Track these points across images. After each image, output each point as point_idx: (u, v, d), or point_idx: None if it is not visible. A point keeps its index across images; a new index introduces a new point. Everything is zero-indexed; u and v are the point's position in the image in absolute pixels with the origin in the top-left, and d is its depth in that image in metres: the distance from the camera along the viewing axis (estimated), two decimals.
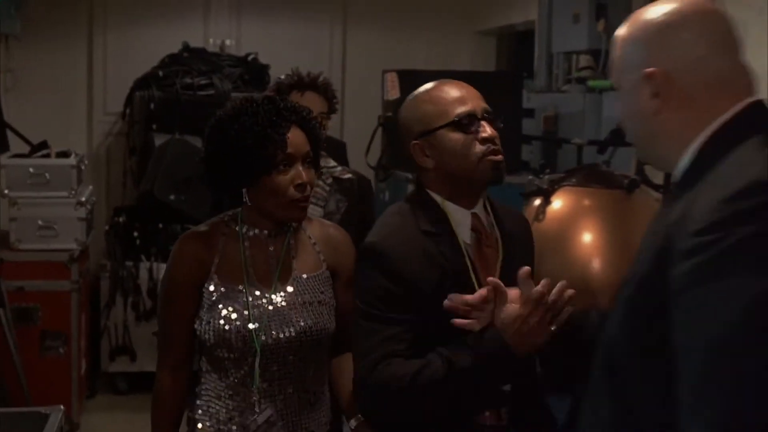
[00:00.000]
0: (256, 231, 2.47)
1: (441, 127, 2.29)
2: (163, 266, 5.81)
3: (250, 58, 6.96)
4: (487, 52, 7.82)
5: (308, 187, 2.43)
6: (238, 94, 6.46)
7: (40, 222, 5.19)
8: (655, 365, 1.58)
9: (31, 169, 5.24)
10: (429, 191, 2.33)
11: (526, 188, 3.87)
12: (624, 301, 1.68)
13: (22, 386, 4.72)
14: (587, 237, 3.50)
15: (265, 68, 6.94)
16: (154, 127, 6.31)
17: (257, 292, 2.42)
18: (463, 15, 7.56)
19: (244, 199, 2.45)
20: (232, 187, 2.44)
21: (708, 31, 1.70)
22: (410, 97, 2.43)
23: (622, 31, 1.80)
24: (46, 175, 5.22)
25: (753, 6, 4.39)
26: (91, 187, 5.67)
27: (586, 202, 3.65)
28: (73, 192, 5.23)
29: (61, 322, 5.16)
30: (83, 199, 5.25)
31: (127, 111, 6.60)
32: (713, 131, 1.66)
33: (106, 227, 6.16)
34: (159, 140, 6.15)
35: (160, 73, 6.51)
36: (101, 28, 7.09)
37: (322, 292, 2.48)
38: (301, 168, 2.40)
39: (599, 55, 5.42)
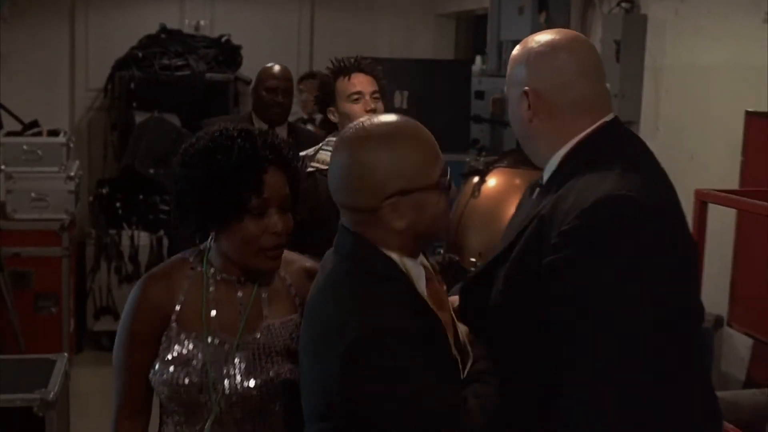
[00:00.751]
0: (224, 275, 2.18)
1: (424, 188, 1.96)
2: (144, 234, 6.43)
3: (223, 39, 7.40)
4: (447, 35, 8.28)
5: (283, 237, 2.14)
6: (214, 74, 7.01)
7: (33, 194, 5.66)
8: (529, 325, 1.98)
9: (25, 147, 5.71)
10: (382, 249, 1.96)
11: (464, 169, 4.44)
12: (505, 276, 2.06)
13: (18, 342, 5.22)
14: None
15: (237, 49, 7.39)
16: (135, 105, 6.81)
17: (217, 341, 2.13)
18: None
19: (211, 240, 2.21)
20: (199, 228, 2.19)
21: (576, 60, 2.10)
22: (374, 143, 1.96)
23: (514, 52, 2.19)
24: (39, 152, 5.70)
25: (668, 8, 4.95)
26: (77, 162, 6.15)
27: (517, 181, 4.22)
28: (63, 167, 5.72)
29: (52, 285, 5.66)
30: (72, 173, 5.75)
31: (109, 89, 7.09)
32: (574, 144, 2.07)
33: (91, 198, 6.68)
34: (139, 117, 6.64)
35: (140, 54, 6.99)
36: (83, 10, 7.53)
37: (294, 339, 2.15)
38: (276, 215, 2.12)
39: None
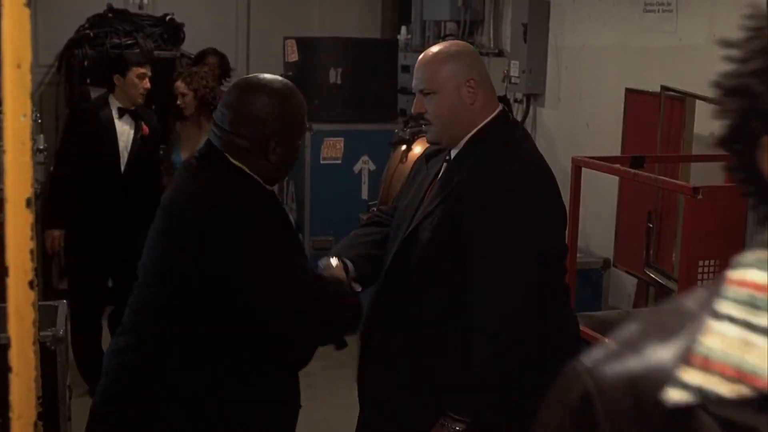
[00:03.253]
0: None
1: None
2: None
3: (167, 18, 7.87)
4: (374, 13, 8.85)
5: None
6: (161, 52, 7.59)
7: None
8: (453, 264, 2.70)
9: None
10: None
11: (393, 138, 5.16)
12: (431, 227, 2.73)
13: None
14: None
15: (180, 27, 7.87)
16: (88, 81, 7.35)
17: None
18: None
19: None
20: None
21: (479, 60, 2.89)
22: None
23: (441, 56, 2.75)
24: None
25: None
26: (42, 135, 6.70)
27: None
28: (33, 141, 6.28)
29: None
30: (41, 146, 6.33)
31: (62, 65, 7.63)
32: (482, 126, 2.74)
33: (51, 168, 7.24)
34: (94, 93, 7.17)
35: (91, 34, 7.53)
36: None
37: None
38: None
39: (459, 24, 6.71)
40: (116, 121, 5.36)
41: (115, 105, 5.40)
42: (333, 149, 6.36)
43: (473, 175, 2.65)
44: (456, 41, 2.98)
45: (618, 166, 3.47)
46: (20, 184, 1.45)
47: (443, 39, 6.89)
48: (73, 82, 7.46)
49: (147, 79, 5.44)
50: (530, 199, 2.63)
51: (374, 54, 6.75)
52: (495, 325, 2.59)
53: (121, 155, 5.31)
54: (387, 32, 8.69)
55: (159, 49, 7.61)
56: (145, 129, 5.42)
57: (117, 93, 5.40)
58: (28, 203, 1.46)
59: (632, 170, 3.35)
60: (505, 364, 2.62)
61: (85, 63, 7.37)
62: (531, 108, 6.07)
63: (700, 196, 2.73)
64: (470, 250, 2.62)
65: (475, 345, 2.59)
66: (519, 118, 6.03)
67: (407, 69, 7.14)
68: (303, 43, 6.54)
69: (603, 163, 3.45)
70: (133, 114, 5.40)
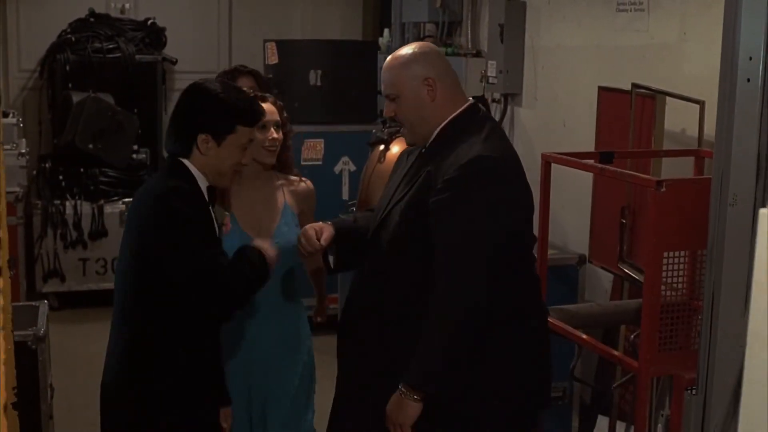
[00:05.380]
0: None
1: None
2: (86, 204, 7.06)
3: (149, 22, 7.96)
4: (356, 16, 8.94)
5: None
6: (143, 56, 7.65)
7: None
8: (419, 246, 2.85)
9: None
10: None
11: (371, 138, 5.22)
12: (400, 212, 2.91)
13: None
14: None
15: (162, 31, 7.98)
16: (70, 85, 7.39)
17: None
18: None
19: None
20: None
21: (442, 58, 3.01)
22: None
23: (399, 61, 2.93)
24: None
25: None
26: (24, 139, 6.75)
27: None
28: (15, 145, 6.35)
29: (11, 250, 6.29)
30: (23, 150, 6.38)
31: (45, 70, 7.68)
32: (449, 120, 2.91)
33: (34, 172, 7.29)
34: (76, 98, 7.23)
35: (73, 39, 7.57)
36: None
37: None
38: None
39: (438, 25, 6.78)
40: None
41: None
42: (313, 150, 6.42)
43: (440, 163, 2.82)
44: (418, 42, 3.11)
45: (587, 161, 3.54)
46: None
47: (422, 40, 6.98)
48: (56, 86, 7.53)
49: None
50: (489, 184, 2.78)
51: (353, 56, 6.83)
52: (445, 305, 2.72)
53: None
54: (368, 34, 8.77)
55: (140, 53, 7.69)
56: None
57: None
58: None
59: (599, 166, 3.43)
60: (460, 343, 2.74)
61: (67, 68, 7.45)
62: (509, 108, 6.14)
63: (663, 189, 2.81)
64: (433, 232, 2.79)
65: (429, 323, 2.73)
66: (497, 118, 6.11)
67: None
68: (283, 46, 6.61)
69: (572, 159, 3.52)
70: None
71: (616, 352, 3.57)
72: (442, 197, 2.77)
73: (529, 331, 2.88)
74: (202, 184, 2.98)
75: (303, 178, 3.66)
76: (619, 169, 3.34)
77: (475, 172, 2.77)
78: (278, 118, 3.44)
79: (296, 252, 3.16)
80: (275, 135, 3.41)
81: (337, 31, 8.63)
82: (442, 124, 2.92)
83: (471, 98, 3.09)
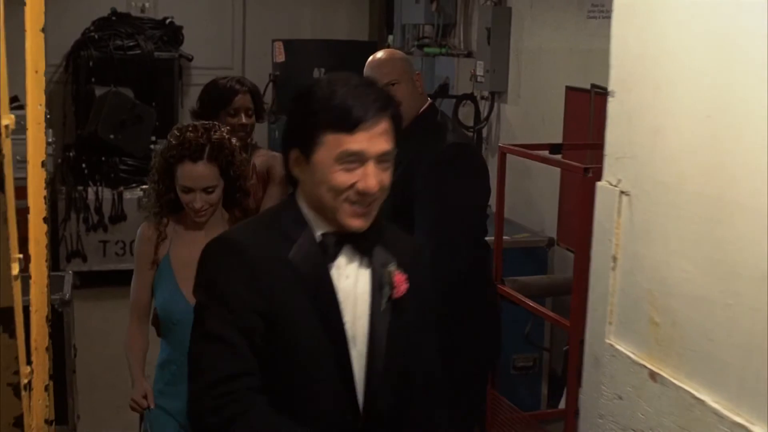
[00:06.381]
0: None
1: None
2: (106, 190, 7.60)
3: (167, 21, 8.48)
4: (362, 18, 9.39)
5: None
6: (161, 53, 8.17)
7: (18, 157, 6.80)
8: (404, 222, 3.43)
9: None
10: None
11: None
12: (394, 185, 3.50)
13: None
14: None
15: (179, 29, 8.49)
16: (93, 80, 7.94)
17: None
18: None
19: None
20: None
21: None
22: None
23: (398, 55, 3.59)
24: (22, 122, 6.84)
25: (526, 2, 6.27)
26: (51, 130, 7.28)
27: None
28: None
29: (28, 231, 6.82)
30: (50, 140, 6.92)
31: (69, 65, 8.22)
32: (420, 112, 3.50)
33: (59, 160, 7.85)
34: (98, 91, 7.77)
35: (96, 36, 8.11)
36: None
37: None
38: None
39: (434, 27, 7.29)
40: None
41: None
42: None
43: (420, 150, 3.34)
44: (393, 50, 3.72)
45: (537, 152, 4.05)
46: (37, 151, 2.04)
47: (420, 41, 7.50)
48: (80, 80, 8.06)
49: None
50: (467, 164, 3.39)
51: (355, 55, 7.20)
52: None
53: None
54: (374, 35, 9.20)
55: (159, 50, 8.20)
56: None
57: None
58: (42, 164, 2.06)
59: (543, 155, 3.94)
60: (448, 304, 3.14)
61: (90, 63, 7.97)
62: (495, 104, 6.64)
63: (590, 175, 3.31)
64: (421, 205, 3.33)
65: None
66: (485, 114, 6.62)
67: None
68: (290, 45, 7.13)
69: (522, 150, 4.04)
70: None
71: (551, 314, 4.09)
72: (424, 176, 3.31)
73: (488, 295, 3.45)
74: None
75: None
76: (557, 158, 3.86)
77: (456, 155, 3.38)
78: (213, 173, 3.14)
79: None
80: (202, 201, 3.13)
81: (345, 32, 9.10)
82: (419, 113, 3.49)
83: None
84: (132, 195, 7.71)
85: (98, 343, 6.09)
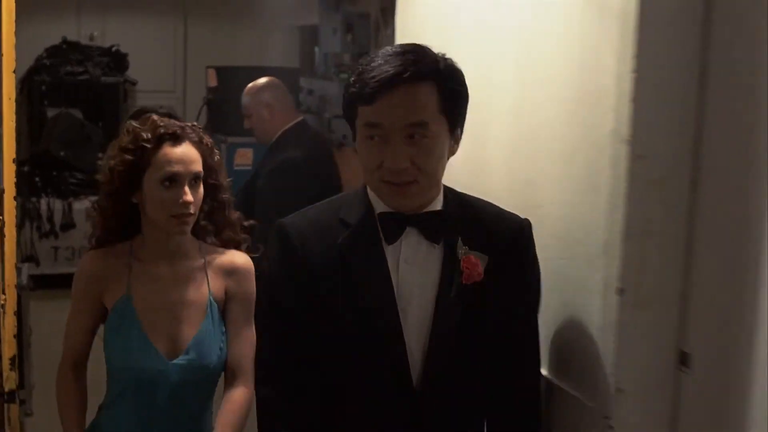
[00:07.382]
0: None
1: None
2: (57, 201, 8.25)
3: (113, 49, 9.12)
4: (293, 46, 9.99)
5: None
6: (107, 78, 8.92)
7: None
8: None
9: None
10: None
11: None
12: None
13: None
14: None
15: (125, 56, 9.13)
16: (46, 102, 8.62)
17: None
18: (273, 14, 9.62)
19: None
20: None
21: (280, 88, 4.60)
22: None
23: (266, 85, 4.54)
24: None
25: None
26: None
27: None
28: None
29: None
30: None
31: (24, 89, 8.89)
32: (283, 130, 4.48)
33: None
34: (51, 113, 8.47)
35: (48, 63, 8.79)
36: None
37: None
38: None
39: (350, 56, 8.16)
40: None
41: None
42: (244, 158, 7.64)
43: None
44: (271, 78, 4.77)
45: None
46: (9, 147, 2.92)
47: (339, 67, 8.37)
48: (33, 103, 8.68)
49: None
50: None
51: (282, 81, 8.13)
52: None
53: None
54: (305, 62, 9.70)
55: (105, 76, 8.88)
56: None
57: None
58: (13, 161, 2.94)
59: None
60: None
61: (43, 87, 8.64)
62: None
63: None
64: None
65: None
66: None
67: (311, 92, 8.66)
68: (220, 71, 7.96)
69: None
70: None
71: None
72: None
73: None
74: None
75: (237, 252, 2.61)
76: None
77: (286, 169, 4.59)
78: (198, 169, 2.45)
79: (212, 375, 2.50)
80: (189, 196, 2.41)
81: (278, 60, 9.66)
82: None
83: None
84: (80, 206, 8.12)
85: (54, 339, 6.68)
